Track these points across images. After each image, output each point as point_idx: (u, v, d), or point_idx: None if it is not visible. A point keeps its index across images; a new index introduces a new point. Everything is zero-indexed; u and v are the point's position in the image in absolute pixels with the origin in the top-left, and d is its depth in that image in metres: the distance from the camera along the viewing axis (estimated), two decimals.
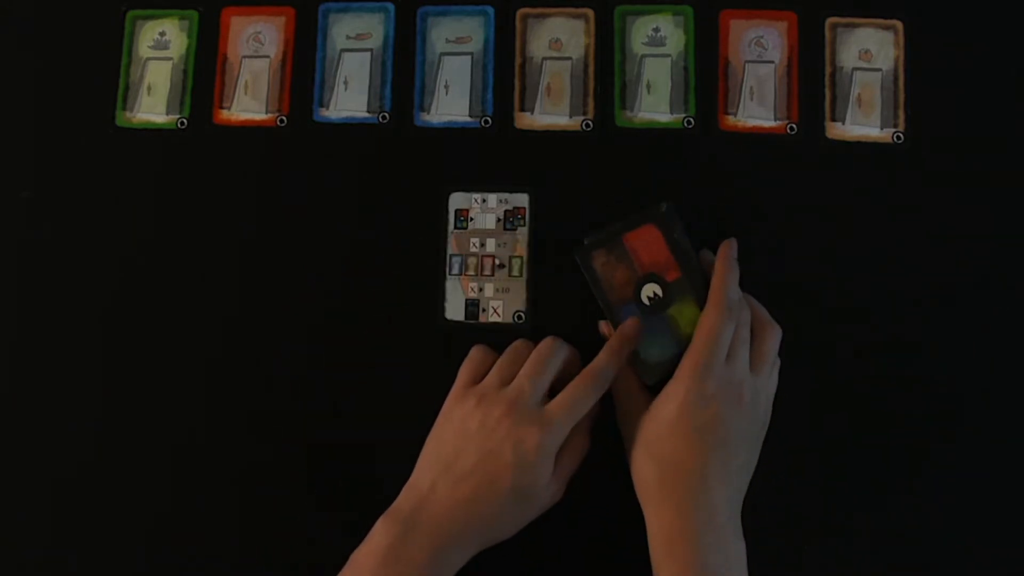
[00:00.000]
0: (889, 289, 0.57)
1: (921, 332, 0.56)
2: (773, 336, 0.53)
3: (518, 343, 0.54)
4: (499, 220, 0.58)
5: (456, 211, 0.58)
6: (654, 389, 0.52)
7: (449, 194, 0.58)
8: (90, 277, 0.59)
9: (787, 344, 0.55)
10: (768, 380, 0.52)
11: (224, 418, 0.58)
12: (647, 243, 0.53)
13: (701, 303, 0.52)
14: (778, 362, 0.53)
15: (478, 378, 0.53)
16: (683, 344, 0.51)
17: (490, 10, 0.61)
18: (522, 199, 0.58)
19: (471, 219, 0.58)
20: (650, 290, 0.52)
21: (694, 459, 0.48)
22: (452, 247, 0.58)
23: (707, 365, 0.49)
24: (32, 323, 0.59)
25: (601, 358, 0.51)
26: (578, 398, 0.50)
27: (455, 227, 0.58)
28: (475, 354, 0.54)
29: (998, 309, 0.57)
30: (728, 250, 0.54)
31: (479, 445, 0.49)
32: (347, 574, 0.49)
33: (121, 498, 0.57)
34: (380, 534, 0.49)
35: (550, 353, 0.52)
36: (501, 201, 0.58)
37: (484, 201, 0.58)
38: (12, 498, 0.58)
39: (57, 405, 0.58)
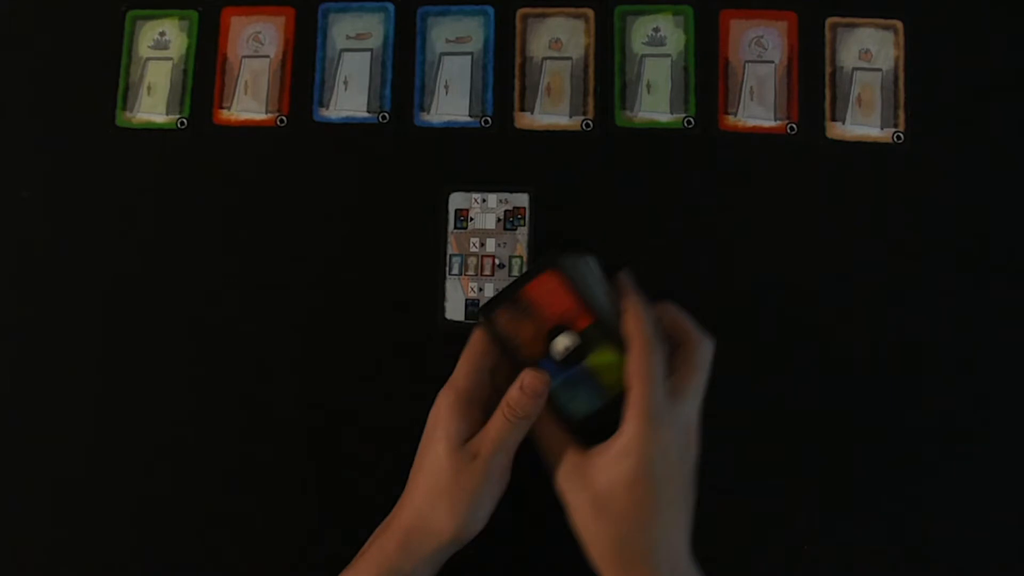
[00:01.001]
0: (889, 289, 0.57)
1: (921, 332, 0.56)
2: (707, 350, 0.48)
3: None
4: (499, 220, 0.58)
5: (456, 211, 0.58)
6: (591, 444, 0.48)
7: (449, 194, 0.58)
8: (90, 277, 0.59)
9: (787, 344, 0.55)
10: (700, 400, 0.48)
11: (223, 418, 0.58)
12: (549, 293, 0.48)
13: (621, 346, 0.47)
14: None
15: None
16: (609, 394, 0.48)
17: (490, 10, 0.61)
18: (522, 199, 0.58)
19: (471, 219, 0.58)
20: (563, 342, 0.48)
21: (653, 518, 0.45)
22: (452, 247, 0.58)
23: (656, 411, 0.45)
24: (32, 323, 0.59)
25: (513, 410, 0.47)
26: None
27: (455, 227, 0.58)
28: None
29: (998, 309, 0.56)
30: (624, 281, 0.49)
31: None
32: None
33: (121, 498, 0.57)
34: (373, 538, 0.49)
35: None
36: (501, 201, 0.58)
37: (484, 201, 0.58)
38: (12, 498, 0.58)
39: (57, 405, 0.58)
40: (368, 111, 0.60)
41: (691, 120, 0.59)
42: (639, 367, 0.46)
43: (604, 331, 0.47)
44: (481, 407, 0.48)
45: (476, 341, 0.49)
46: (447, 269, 0.58)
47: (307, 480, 0.57)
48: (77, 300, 0.59)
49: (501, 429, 0.47)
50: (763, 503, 0.55)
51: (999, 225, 0.57)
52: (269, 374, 0.58)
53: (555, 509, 0.52)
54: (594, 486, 0.46)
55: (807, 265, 0.57)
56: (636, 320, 0.47)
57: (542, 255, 0.50)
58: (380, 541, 0.48)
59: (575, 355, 0.48)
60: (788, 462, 0.55)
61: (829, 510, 0.55)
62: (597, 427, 0.47)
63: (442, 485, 0.47)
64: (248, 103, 0.61)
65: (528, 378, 0.47)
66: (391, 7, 0.61)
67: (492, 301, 0.48)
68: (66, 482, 0.58)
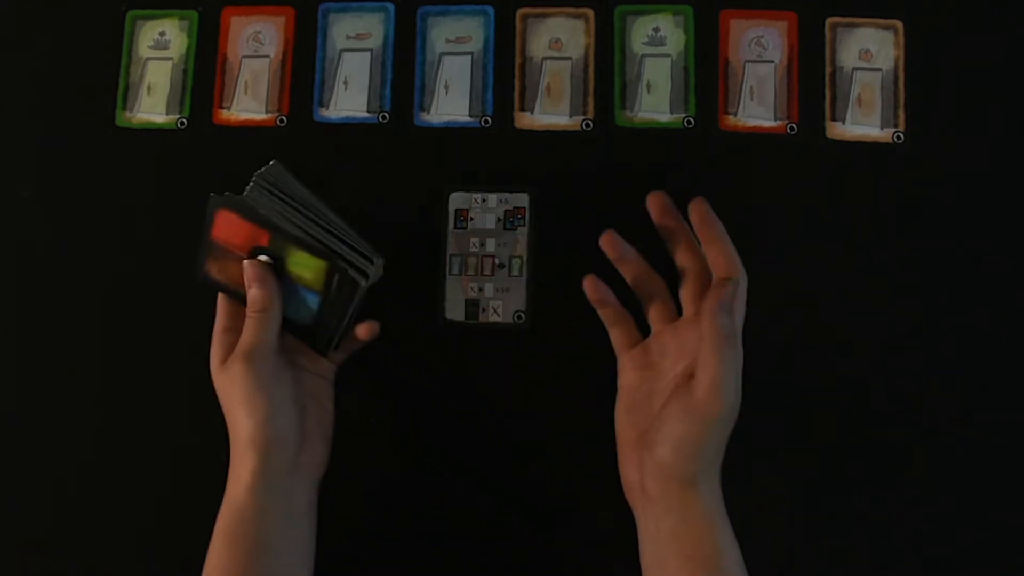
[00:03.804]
0: (889, 289, 0.57)
1: (921, 331, 0.56)
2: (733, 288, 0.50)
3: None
4: (499, 220, 0.58)
5: (456, 211, 0.58)
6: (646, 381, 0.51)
7: (449, 194, 0.58)
8: (90, 277, 0.59)
9: (786, 344, 0.55)
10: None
11: (223, 418, 0.57)
12: (229, 229, 0.52)
13: (306, 247, 0.51)
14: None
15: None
16: (322, 295, 0.52)
17: (490, 10, 0.61)
18: (522, 199, 0.58)
19: (471, 219, 0.58)
20: (256, 258, 0.52)
21: (728, 422, 0.49)
22: (452, 247, 0.58)
23: (738, 336, 0.49)
24: (32, 323, 0.59)
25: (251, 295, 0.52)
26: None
27: (455, 227, 0.58)
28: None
29: (999, 309, 0.56)
30: (704, 208, 0.52)
31: None
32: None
33: (121, 498, 0.57)
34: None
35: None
36: (501, 201, 0.58)
37: (484, 201, 0.58)
38: (12, 498, 0.58)
39: (57, 405, 0.58)
40: (368, 111, 0.60)
41: (691, 120, 0.59)
42: (729, 295, 0.49)
43: (285, 239, 0.51)
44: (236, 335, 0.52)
45: (219, 298, 0.54)
46: (447, 269, 0.58)
47: None
48: (77, 300, 0.59)
49: (248, 326, 0.51)
50: (763, 502, 0.55)
51: (999, 225, 0.57)
52: None
53: (555, 510, 0.52)
54: (690, 393, 0.48)
55: (807, 265, 0.57)
56: (724, 250, 0.51)
57: (212, 197, 0.53)
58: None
59: (277, 268, 0.52)
60: (788, 462, 0.55)
61: (829, 509, 0.55)
62: (329, 326, 0.52)
63: (226, 400, 0.51)
64: (248, 103, 0.61)
65: (243, 272, 0.52)
66: (391, 7, 0.61)
67: (199, 262, 0.54)
68: (66, 482, 0.58)
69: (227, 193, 0.52)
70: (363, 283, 0.51)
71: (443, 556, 0.55)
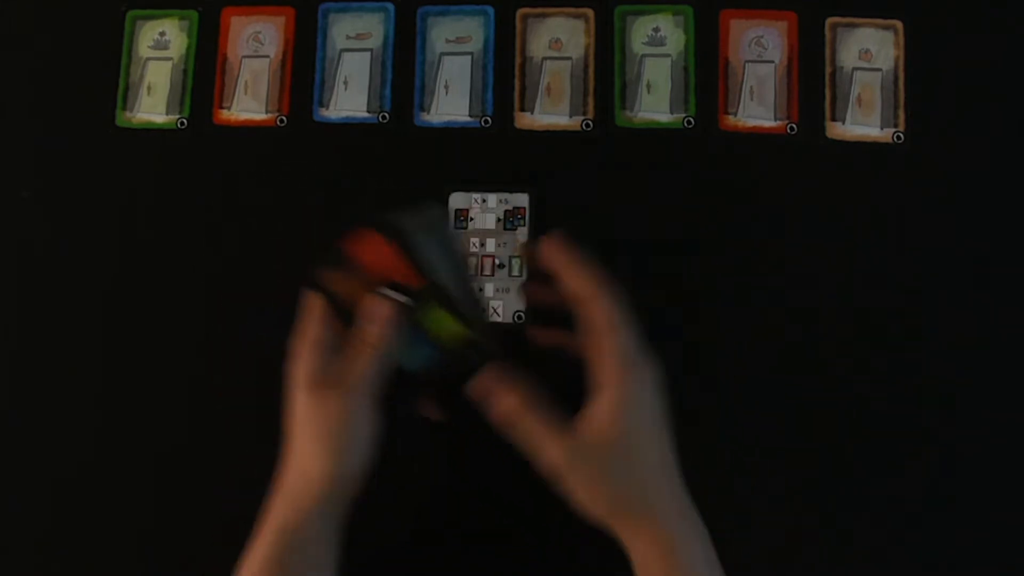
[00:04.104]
0: (888, 289, 0.57)
1: (921, 331, 0.56)
2: (605, 309, 0.47)
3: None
4: (499, 220, 0.58)
5: (456, 211, 0.58)
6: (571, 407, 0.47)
7: (449, 194, 0.58)
8: (90, 277, 0.59)
9: (786, 344, 0.55)
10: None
11: (224, 418, 0.58)
12: (374, 252, 0.47)
13: (455, 311, 0.47)
14: None
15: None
16: (444, 351, 0.48)
17: (490, 10, 0.61)
18: (522, 199, 0.58)
19: (471, 219, 0.58)
20: (389, 293, 0.47)
21: (642, 453, 0.46)
22: None
23: (628, 354, 0.45)
24: (32, 323, 0.59)
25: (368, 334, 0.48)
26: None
27: (455, 227, 0.58)
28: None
29: (998, 308, 0.56)
30: (554, 245, 0.48)
31: None
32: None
33: (121, 498, 0.57)
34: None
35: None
36: (501, 201, 0.58)
37: (484, 201, 0.58)
38: (12, 498, 0.58)
39: (57, 405, 0.58)
40: (368, 111, 0.60)
41: (691, 120, 0.59)
42: (600, 313, 0.46)
43: (436, 295, 0.47)
44: (332, 353, 0.48)
45: (311, 300, 0.49)
46: None
47: None
48: (77, 300, 0.59)
49: (358, 358, 0.47)
50: (762, 503, 0.55)
51: (999, 225, 0.57)
52: (269, 374, 0.58)
53: (553, 511, 0.52)
54: (581, 439, 0.45)
55: (807, 265, 0.57)
56: (576, 273, 0.47)
57: (372, 216, 0.48)
58: (270, 505, 0.48)
59: (409, 312, 0.47)
60: (787, 462, 0.55)
61: (829, 509, 0.55)
62: (439, 381, 0.49)
63: (310, 426, 0.47)
64: (248, 103, 0.61)
65: (370, 304, 0.47)
66: (391, 7, 0.61)
67: (319, 266, 0.49)
68: (66, 482, 0.58)
69: (392, 217, 0.47)
70: (486, 367, 0.48)
71: (442, 557, 0.55)
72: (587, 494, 0.46)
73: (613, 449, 0.45)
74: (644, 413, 0.46)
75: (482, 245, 0.58)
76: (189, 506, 0.57)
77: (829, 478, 0.55)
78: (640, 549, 0.46)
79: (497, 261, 0.58)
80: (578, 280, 0.47)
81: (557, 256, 0.48)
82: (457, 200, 0.58)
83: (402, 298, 0.47)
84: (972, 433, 0.55)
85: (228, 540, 0.57)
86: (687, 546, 0.46)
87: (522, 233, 0.58)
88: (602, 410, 0.45)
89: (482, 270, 0.58)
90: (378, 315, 0.47)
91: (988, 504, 0.55)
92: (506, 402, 0.47)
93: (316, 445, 0.47)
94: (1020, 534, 0.55)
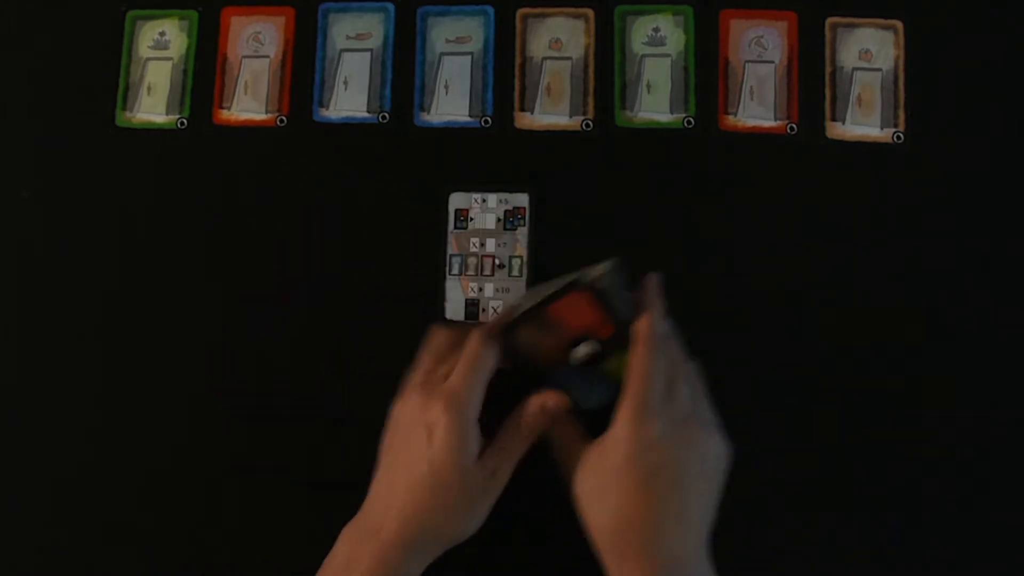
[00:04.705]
0: (889, 289, 0.57)
1: (921, 331, 0.56)
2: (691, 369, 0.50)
3: (439, 333, 0.53)
4: (499, 220, 0.58)
5: (456, 211, 0.58)
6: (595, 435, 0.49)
7: (449, 194, 0.58)
8: (90, 277, 0.59)
9: (786, 344, 0.55)
10: (708, 410, 0.50)
11: (223, 419, 0.58)
12: (576, 310, 0.48)
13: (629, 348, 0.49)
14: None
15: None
16: (618, 386, 0.48)
17: (490, 10, 0.61)
18: (522, 199, 0.58)
19: (471, 219, 0.58)
20: (584, 350, 0.49)
21: (646, 506, 0.46)
22: (452, 247, 0.58)
23: (646, 406, 0.46)
24: (32, 323, 0.59)
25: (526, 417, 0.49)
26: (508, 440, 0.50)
27: (455, 227, 0.58)
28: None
29: (998, 308, 0.56)
30: (651, 285, 0.51)
31: (402, 437, 0.49)
32: None
33: (121, 498, 0.57)
34: (341, 543, 0.49)
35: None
36: (501, 201, 0.58)
37: (484, 201, 0.58)
38: (12, 498, 0.58)
39: (57, 405, 0.58)
40: (368, 111, 0.60)
41: (691, 120, 0.59)
42: (636, 362, 0.47)
43: (624, 339, 0.48)
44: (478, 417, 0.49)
45: (486, 358, 0.49)
46: (447, 269, 0.58)
47: (307, 481, 0.57)
48: (77, 300, 0.59)
49: (516, 442, 0.49)
50: (762, 503, 0.55)
51: (999, 225, 0.57)
52: (269, 374, 0.58)
53: (553, 512, 0.52)
54: (593, 474, 0.48)
55: (807, 265, 0.57)
56: (647, 322, 0.48)
57: (574, 274, 0.49)
58: (369, 554, 0.47)
59: (595, 359, 0.49)
60: (787, 462, 0.55)
61: (828, 510, 0.55)
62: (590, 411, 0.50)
63: (459, 499, 0.48)
64: (248, 103, 0.61)
65: (552, 401, 0.49)
66: (391, 7, 0.61)
67: (515, 320, 0.49)
68: (66, 482, 0.58)
69: (600, 276, 0.48)
70: None
71: (442, 557, 0.55)
72: (588, 509, 0.48)
73: (619, 475, 0.46)
74: (665, 460, 0.46)
75: (482, 245, 0.58)
76: (189, 506, 0.57)
77: (829, 478, 0.55)
78: None
79: (497, 261, 0.58)
80: (646, 324, 0.48)
81: (653, 294, 0.50)
82: (457, 200, 0.58)
83: (594, 348, 0.49)
84: (972, 432, 0.55)
85: (228, 540, 0.57)
86: None
87: (522, 233, 0.58)
88: (616, 438, 0.47)
89: (482, 270, 0.58)
90: (556, 411, 0.49)
91: (988, 504, 0.55)
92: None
93: (460, 517, 0.48)
94: (1020, 534, 0.55)
